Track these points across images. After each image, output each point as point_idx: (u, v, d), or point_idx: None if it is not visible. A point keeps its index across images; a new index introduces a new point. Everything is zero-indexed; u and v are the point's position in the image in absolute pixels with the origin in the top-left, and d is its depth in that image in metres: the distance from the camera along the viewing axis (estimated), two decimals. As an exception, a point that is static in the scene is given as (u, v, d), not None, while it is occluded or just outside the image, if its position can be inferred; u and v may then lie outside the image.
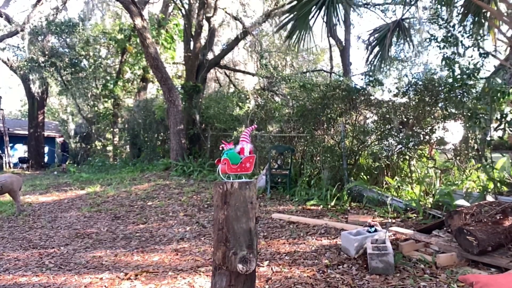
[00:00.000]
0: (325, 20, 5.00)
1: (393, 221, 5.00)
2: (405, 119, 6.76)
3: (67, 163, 16.45)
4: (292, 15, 5.15)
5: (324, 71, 17.49)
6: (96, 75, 17.33)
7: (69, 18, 16.09)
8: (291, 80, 10.11)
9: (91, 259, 4.16)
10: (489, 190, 5.10)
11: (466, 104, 5.72)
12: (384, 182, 6.51)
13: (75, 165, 16.60)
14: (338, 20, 5.13)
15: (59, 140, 17.68)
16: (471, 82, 5.51)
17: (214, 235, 2.12)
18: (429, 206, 5.31)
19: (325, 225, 4.94)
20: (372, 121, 7.49)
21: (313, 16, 5.05)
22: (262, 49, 15.68)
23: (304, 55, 18.32)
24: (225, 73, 17.24)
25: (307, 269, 3.44)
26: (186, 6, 13.12)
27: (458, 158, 6.40)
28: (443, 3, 5.82)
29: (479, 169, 5.64)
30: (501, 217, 3.40)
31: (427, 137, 6.42)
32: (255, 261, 2.06)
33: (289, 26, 5.36)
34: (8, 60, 16.66)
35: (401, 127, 6.71)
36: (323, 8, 4.90)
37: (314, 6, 4.90)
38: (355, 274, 3.28)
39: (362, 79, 11.18)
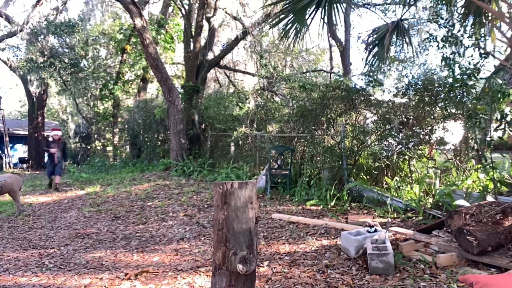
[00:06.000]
0: (322, 17, 4.99)
1: (393, 221, 5.00)
2: (405, 119, 6.76)
3: (67, 163, 16.42)
4: (288, 12, 5.13)
5: (324, 71, 17.49)
6: (96, 75, 17.34)
7: (69, 19, 16.09)
8: (291, 80, 10.12)
9: (91, 259, 4.16)
10: (489, 190, 5.10)
11: (466, 104, 5.72)
12: (384, 182, 6.51)
13: (75, 165, 16.60)
14: (336, 20, 5.11)
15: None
16: (471, 82, 5.50)
17: (214, 235, 2.12)
18: (429, 206, 5.31)
19: (325, 225, 4.94)
20: (372, 121, 7.50)
21: (310, 16, 5.04)
22: (262, 49, 15.67)
23: (304, 55, 18.31)
24: (225, 73, 17.24)
25: (307, 269, 3.44)
26: (186, 6, 13.13)
27: (458, 158, 6.40)
28: (443, 2, 5.82)
29: (479, 169, 5.63)
30: (501, 217, 3.40)
31: (427, 137, 6.43)
32: (255, 261, 2.05)
33: (287, 24, 5.34)
34: (8, 60, 16.67)
35: (401, 127, 6.71)
36: (321, 6, 4.89)
37: (312, 3, 4.89)
38: (355, 274, 3.28)
39: (362, 79, 11.19)
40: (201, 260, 3.92)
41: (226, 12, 13.22)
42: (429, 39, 5.84)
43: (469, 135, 6.18)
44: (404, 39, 5.97)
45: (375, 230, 3.89)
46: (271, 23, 7.58)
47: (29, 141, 18.29)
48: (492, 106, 5.07)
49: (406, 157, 6.53)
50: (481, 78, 5.54)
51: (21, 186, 7.00)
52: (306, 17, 5.01)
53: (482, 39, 5.46)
